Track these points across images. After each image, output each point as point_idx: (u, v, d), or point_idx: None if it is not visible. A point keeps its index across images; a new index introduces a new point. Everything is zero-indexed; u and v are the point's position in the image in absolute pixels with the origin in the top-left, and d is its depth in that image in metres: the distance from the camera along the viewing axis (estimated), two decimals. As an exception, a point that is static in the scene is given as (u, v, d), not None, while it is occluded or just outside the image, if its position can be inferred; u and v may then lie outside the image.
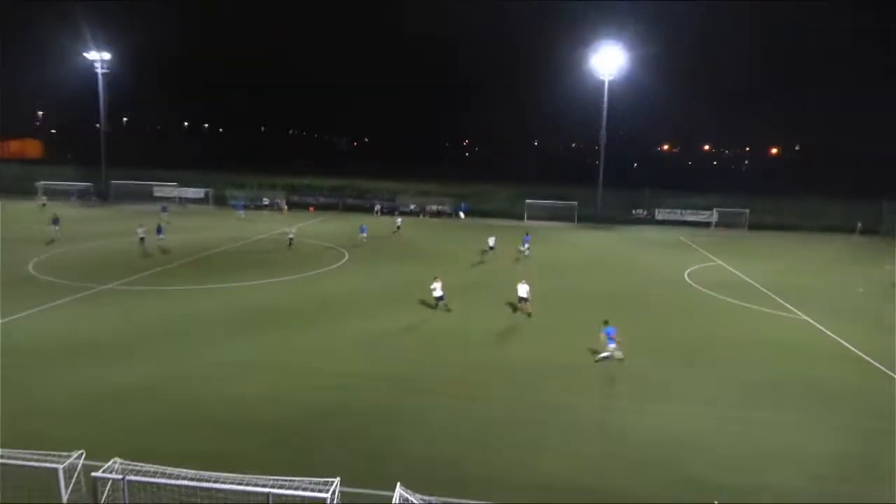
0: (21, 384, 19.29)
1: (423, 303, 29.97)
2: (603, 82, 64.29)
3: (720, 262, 44.76)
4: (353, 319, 27.15)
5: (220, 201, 71.28)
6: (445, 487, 13.36)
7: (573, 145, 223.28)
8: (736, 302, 32.66)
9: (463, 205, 69.10)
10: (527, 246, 44.17)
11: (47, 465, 10.92)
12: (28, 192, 72.91)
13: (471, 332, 25.83)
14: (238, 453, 15.46)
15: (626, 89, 71.91)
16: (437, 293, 27.99)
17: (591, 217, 66.49)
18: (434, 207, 69.28)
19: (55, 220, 45.50)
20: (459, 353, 23.18)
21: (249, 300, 30.12)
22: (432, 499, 10.24)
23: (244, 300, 30.17)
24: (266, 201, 70.45)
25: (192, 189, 72.97)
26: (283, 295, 31.41)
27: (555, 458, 15.72)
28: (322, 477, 10.79)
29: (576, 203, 66.80)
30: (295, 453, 15.59)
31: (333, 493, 10.44)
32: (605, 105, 64.67)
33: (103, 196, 71.99)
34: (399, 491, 10.20)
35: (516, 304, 28.83)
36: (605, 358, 21.97)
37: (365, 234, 48.18)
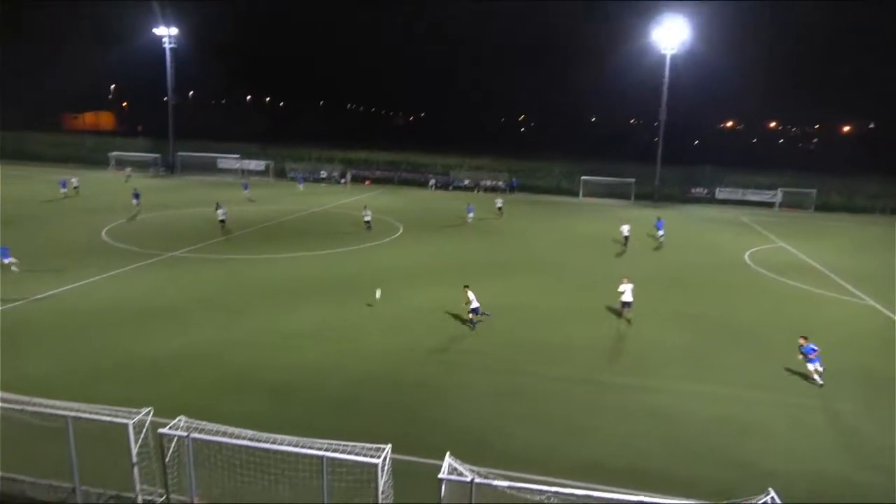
0: (91, 346, 20.35)
1: (478, 277, 29.99)
2: (664, 56, 62.12)
3: (783, 244, 43.04)
4: (405, 292, 27.39)
5: (280, 174, 72.68)
6: (490, 461, 13.44)
7: (631, 121, 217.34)
8: (798, 285, 31.42)
9: (514, 181, 68.49)
10: (662, 232, 40.94)
11: (118, 420, 11.50)
12: (101, 163, 76.18)
13: (527, 308, 25.73)
14: (291, 417, 15.84)
15: (689, 63, 69.26)
16: (474, 304, 22.86)
17: (649, 195, 64.85)
18: (488, 182, 68.90)
19: (136, 195, 46.36)
20: (513, 330, 23.16)
21: (305, 270, 30.79)
22: (480, 469, 10.32)
23: (301, 270, 30.87)
24: (324, 174, 71.48)
25: (253, 161, 74.60)
26: (338, 266, 31.96)
27: (604, 438, 15.61)
28: (375, 444, 10.98)
29: (633, 180, 65.21)
30: (345, 420, 15.90)
31: (384, 459, 10.63)
32: (667, 80, 62.53)
33: (170, 167, 74.47)
34: (448, 461, 10.32)
35: (618, 309, 24.95)
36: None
37: (472, 215, 46.59)
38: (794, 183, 66.15)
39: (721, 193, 65.61)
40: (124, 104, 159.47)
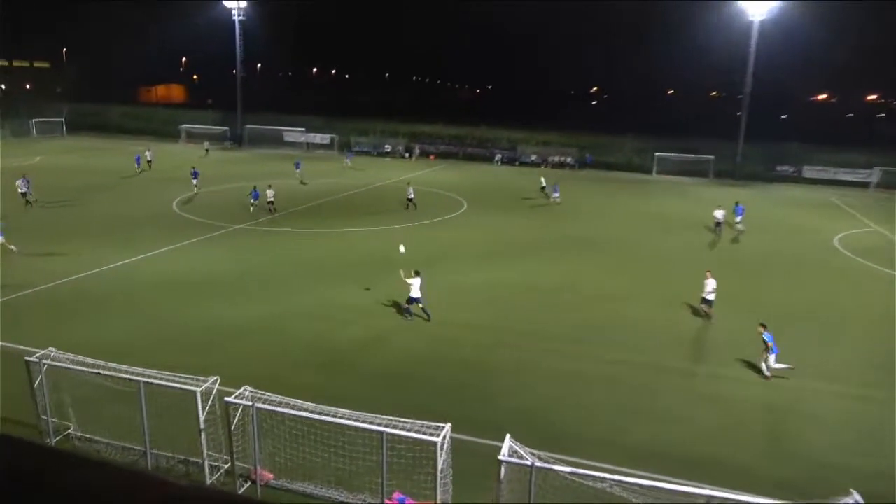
0: (158, 315, 21.49)
1: (543, 256, 29.82)
2: (751, 24, 59.02)
3: (878, 227, 40.60)
4: (467, 269, 27.52)
5: (344, 147, 73.74)
6: (548, 444, 13.40)
7: (712, 94, 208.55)
8: (893, 273, 29.65)
9: (588, 157, 67.08)
10: (740, 218, 37.79)
11: (187, 387, 12.10)
12: (173, 135, 79.29)
13: (592, 290, 25.40)
14: (347, 390, 16.25)
15: (779, 31, 65.58)
16: (414, 293, 21.43)
17: (729, 172, 62.28)
18: (556, 158, 67.81)
19: (195, 173, 44.03)
20: (576, 311, 22.92)
21: (367, 245, 31.38)
22: (541, 453, 10.30)
23: (362, 245, 31.47)
24: (388, 148, 72.06)
25: (318, 135, 75.92)
26: (398, 242, 32.29)
27: (666, 426, 15.30)
28: (431, 421, 11.14)
29: (712, 157, 62.74)
30: (400, 395, 16.17)
31: (444, 437, 10.78)
32: (753, 49, 59.47)
33: (238, 140, 76.76)
34: (509, 443, 10.35)
35: (698, 306, 23.04)
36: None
37: (557, 195, 43.94)
38: (894, 161, 62.02)
39: (809, 172, 62.22)
40: (194, 77, 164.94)
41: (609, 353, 19.31)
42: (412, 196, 40.39)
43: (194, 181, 43.68)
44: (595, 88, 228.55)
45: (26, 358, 13.35)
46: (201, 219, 35.42)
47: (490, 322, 21.54)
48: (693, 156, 63.49)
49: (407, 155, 70.57)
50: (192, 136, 77.47)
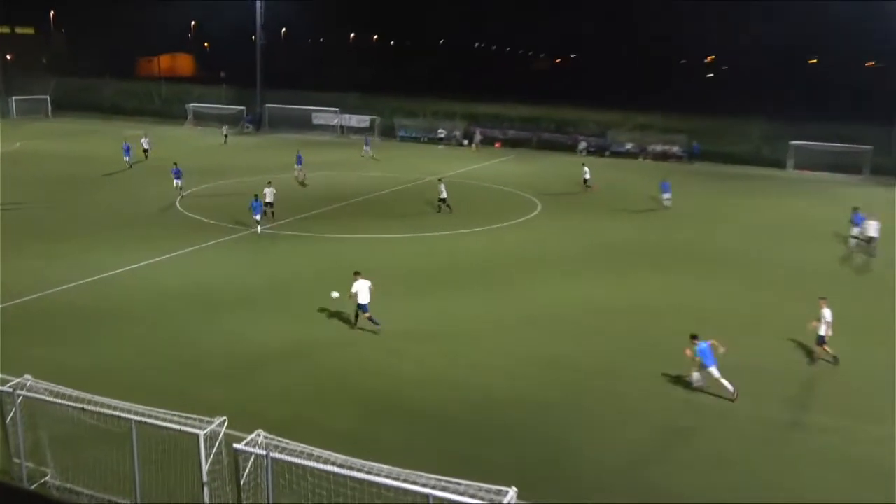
0: (157, 336, 22.12)
1: (639, 271, 29.43)
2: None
3: None
4: (537, 287, 27.44)
5: (388, 132, 74.62)
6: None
7: (869, 65, 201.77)
8: None
9: (694, 146, 65.84)
10: (864, 231, 35.02)
11: (189, 429, 12.34)
12: (177, 116, 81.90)
13: (695, 313, 24.86)
14: (388, 438, 16.43)
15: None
16: (362, 298, 22.35)
17: (892, 168, 60.02)
18: (658, 147, 66.82)
19: (176, 172, 43.21)
20: (668, 342, 22.47)
21: (414, 254, 31.69)
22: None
23: (408, 254, 31.80)
24: (442, 133, 72.79)
25: (355, 116, 77.21)
26: (456, 251, 32.64)
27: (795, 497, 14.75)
28: (489, 483, 10.96)
29: (868, 148, 60.62)
30: (451, 446, 16.23)
31: (508, 505, 10.61)
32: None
33: (257, 122, 78.79)
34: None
35: (814, 347, 22.07)
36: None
37: (668, 195, 42.68)
38: None
39: None
40: (205, 45, 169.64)
41: (724, 402, 18.77)
42: (445, 195, 40.32)
43: (177, 181, 42.77)
44: (711, 58, 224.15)
45: None
46: (211, 220, 36.36)
47: (572, 352, 21.31)
48: (843, 146, 61.42)
49: (466, 142, 70.86)
50: (201, 118, 79.83)
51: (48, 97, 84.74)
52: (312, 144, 66.66)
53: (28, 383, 13.75)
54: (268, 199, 36.80)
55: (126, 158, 51.42)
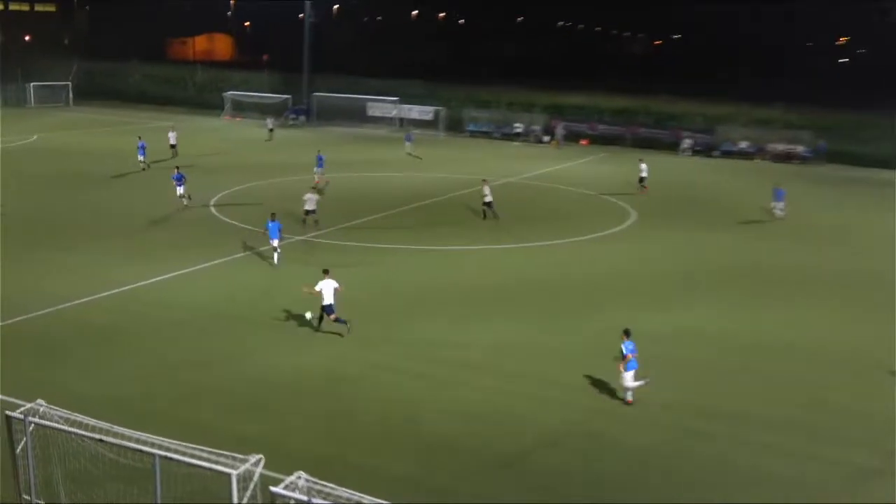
0: (187, 359, 22.52)
1: (753, 297, 28.92)
2: None
3: None
4: (628, 311, 26.98)
5: (455, 126, 74.94)
6: None
7: None
8: None
9: (820, 144, 64.23)
10: None
11: (220, 468, 12.49)
12: (213, 106, 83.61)
13: (825, 347, 24.27)
14: (447, 486, 16.43)
15: None
16: (327, 298, 23.82)
17: None
18: (779, 147, 65.44)
19: (178, 178, 41.42)
20: (802, 381, 21.97)
21: (476, 270, 31.90)
22: None
23: (469, 269, 32.02)
24: (519, 128, 72.76)
25: (416, 108, 77.81)
26: (529, 266, 32.64)
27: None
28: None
29: None
30: (524, 497, 16.09)
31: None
32: None
33: (305, 112, 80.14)
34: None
35: None
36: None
37: (782, 204, 42.42)
38: None
39: None
40: (245, 24, 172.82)
41: (855, 453, 18.31)
42: (489, 199, 40.13)
43: (179, 189, 41.29)
44: (844, 39, 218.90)
45: (7, 413, 14.17)
46: (248, 226, 36.97)
47: (661, 394, 20.94)
48: None
49: (547, 139, 70.70)
50: (241, 109, 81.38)
51: (69, 83, 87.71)
52: (366, 140, 67.45)
53: (41, 409, 13.98)
54: (309, 207, 37.03)
55: (140, 158, 50.89)
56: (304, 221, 36.98)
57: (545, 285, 30.10)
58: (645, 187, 47.98)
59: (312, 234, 35.92)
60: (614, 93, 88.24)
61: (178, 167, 43.08)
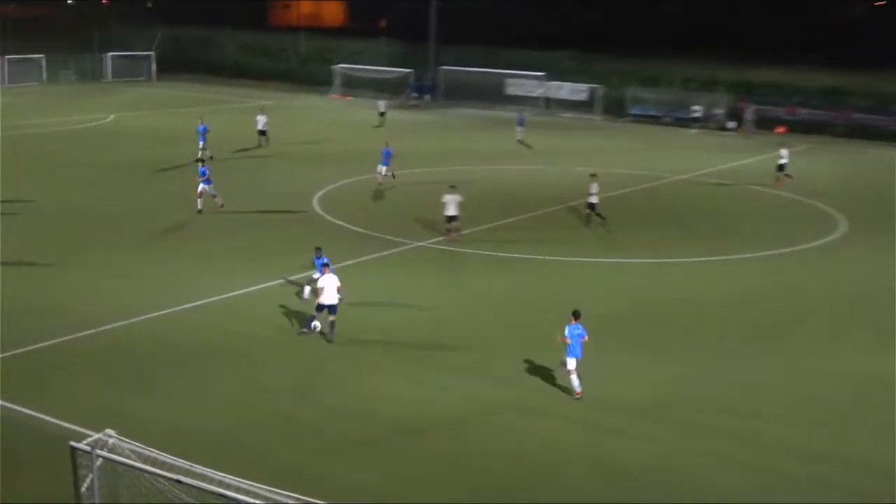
0: (276, 387, 22.80)
1: None
2: None
3: None
4: (850, 349, 26.39)
5: (614, 108, 74.42)
6: None
7: None
8: None
9: None
10: None
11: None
12: (320, 82, 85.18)
13: None
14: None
15: None
16: (329, 298, 25.03)
17: None
18: None
19: (204, 172, 40.30)
20: None
21: (641, 289, 31.49)
22: None
23: (633, 288, 31.68)
24: (696, 111, 71.88)
25: (567, 85, 77.63)
26: (706, 287, 32.06)
27: None
28: None
29: None
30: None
31: None
32: None
33: (430, 90, 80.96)
34: None
35: None
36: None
37: None
38: None
39: None
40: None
41: None
42: (595, 200, 39.81)
43: (204, 186, 39.82)
44: None
45: (72, 443, 14.39)
46: (358, 227, 37.53)
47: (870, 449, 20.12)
48: None
49: (732, 125, 69.42)
50: (352, 86, 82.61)
51: (152, 54, 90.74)
52: (503, 125, 67.06)
53: (111, 441, 14.23)
54: (451, 212, 35.96)
55: (201, 144, 51.52)
56: (447, 232, 36.15)
57: (727, 312, 29.49)
58: (789, 176, 47.48)
59: (433, 239, 36.16)
60: (821, 68, 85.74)
61: (202, 160, 43.77)
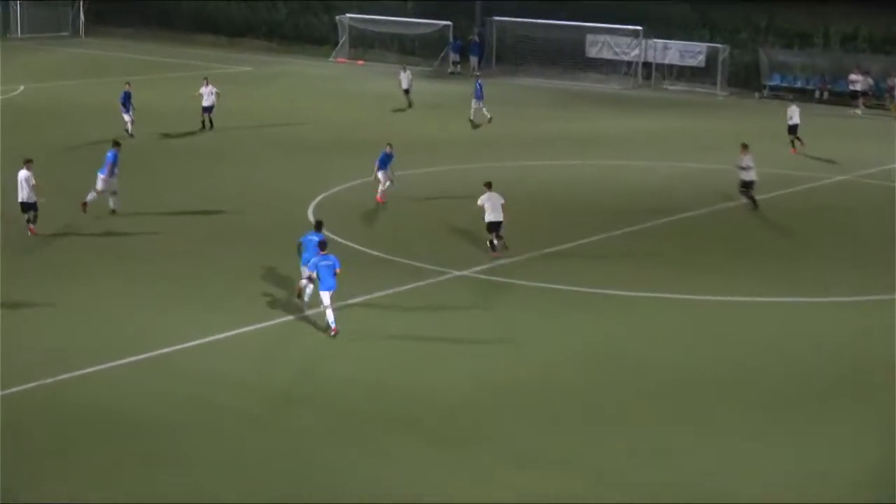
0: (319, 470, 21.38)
1: None
2: None
3: None
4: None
5: (745, 78, 74.14)
6: None
7: None
8: None
9: None
10: None
11: None
12: (319, 41, 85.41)
13: None
14: None
15: None
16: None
17: None
18: None
19: (113, 157, 40.40)
20: None
21: (774, 341, 30.30)
22: None
23: (762, 338, 30.54)
24: (857, 82, 71.79)
25: (676, 45, 77.65)
26: (864, 338, 30.83)
27: None
28: None
29: None
30: None
31: None
32: None
33: (478, 51, 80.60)
34: None
35: None
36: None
37: None
38: None
39: None
40: None
41: None
42: (751, 176, 42.32)
43: (100, 185, 40.21)
44: None
45: None
46: (373, 248, 36.74)
47: None
48: None
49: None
50: (364, 45, 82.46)
51: (80, 1, 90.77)
52: (581, 100, 66.75)
53: None
54: (492, 217, 36.84)
55: (126, 118, 53.79)
56: (491, 245, 36.87)
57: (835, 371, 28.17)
58: (800, 141, 51.92)
59: (500, 260, 35.80)
60: None
61: (118, 142, 42.43)
